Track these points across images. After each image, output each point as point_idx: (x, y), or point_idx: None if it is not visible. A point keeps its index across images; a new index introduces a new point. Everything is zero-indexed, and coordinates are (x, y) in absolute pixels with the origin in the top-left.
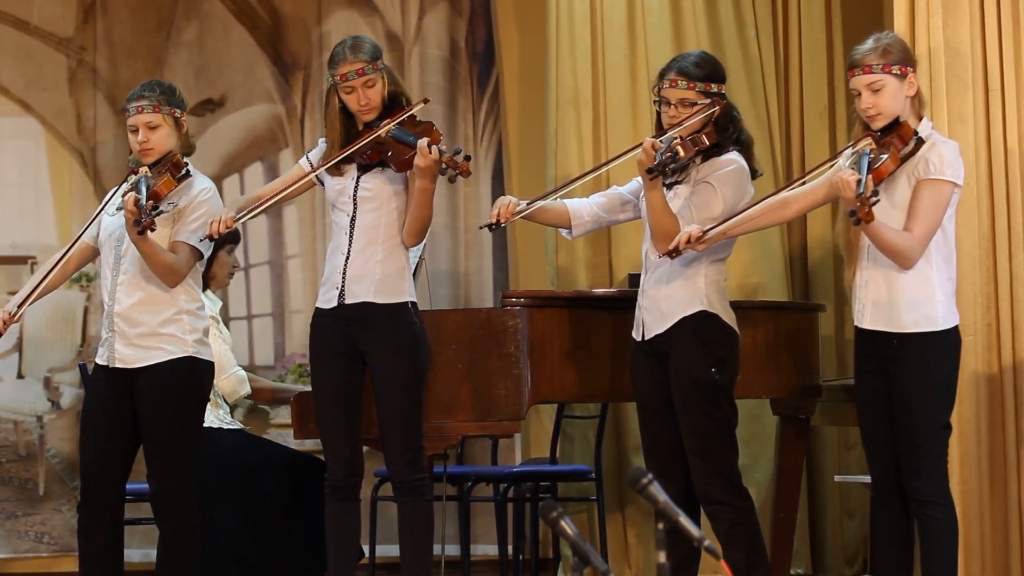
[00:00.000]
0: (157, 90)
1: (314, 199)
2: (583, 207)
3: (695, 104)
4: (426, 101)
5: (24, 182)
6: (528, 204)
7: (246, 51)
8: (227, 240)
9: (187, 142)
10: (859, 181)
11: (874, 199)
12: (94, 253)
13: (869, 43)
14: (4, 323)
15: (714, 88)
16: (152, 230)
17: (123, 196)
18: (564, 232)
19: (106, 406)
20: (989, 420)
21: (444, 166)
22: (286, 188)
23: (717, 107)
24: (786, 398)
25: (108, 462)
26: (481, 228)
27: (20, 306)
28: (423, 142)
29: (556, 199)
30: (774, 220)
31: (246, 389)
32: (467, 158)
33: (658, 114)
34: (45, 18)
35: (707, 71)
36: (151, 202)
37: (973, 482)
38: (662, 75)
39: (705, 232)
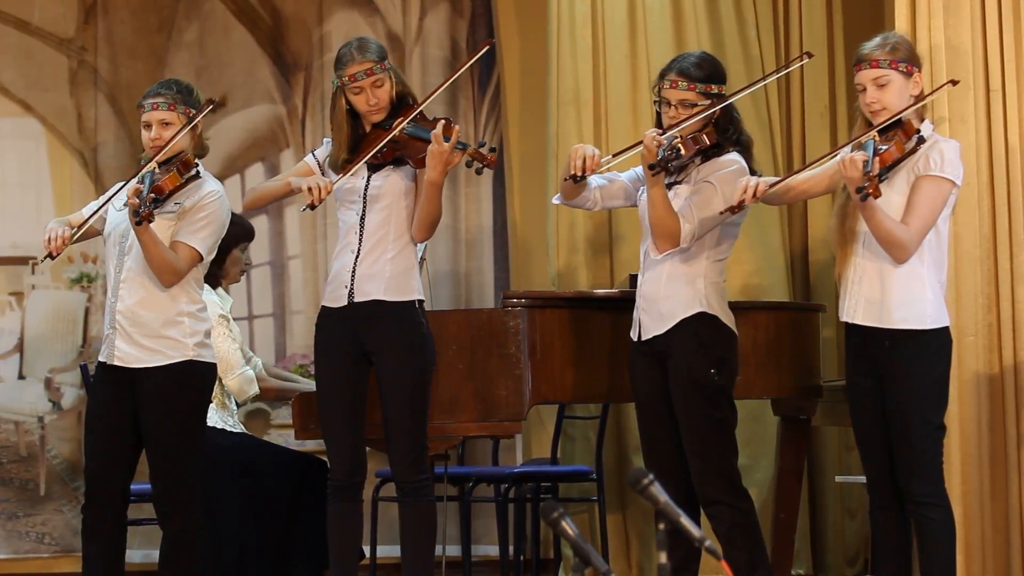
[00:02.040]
0: (174, 88)
1: None
2: (592, 183)
3: (695, 105)
4: (490, 43)
5: (25, 182)
6: (612, 157)
7: (247, 51)
8: (241, 237)
9: (200, 143)
10: (866, 161)
11: (881, 177)
12: (96, 232)
13: (877, 40)
14: (64, 241)
15: (715, 89)
16: (150, 221)
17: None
18: (555, 197)
19: (109, 408)
20: (990, 420)
21: (470, 159)
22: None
23: (717, 108)
24: (787, 398)
25: (112, 463)
26: (565, 180)
27: (79, 227)
28: (438, 130)
29: None
30: (778, 202)
31: (254, 390)
32: (492, 150)
33: (658, 114)
34: (46, 18)
35: (708, 72)
36: (152, 194)
37: (974, 482)
38: (662, 75)
39: (771, 186)
